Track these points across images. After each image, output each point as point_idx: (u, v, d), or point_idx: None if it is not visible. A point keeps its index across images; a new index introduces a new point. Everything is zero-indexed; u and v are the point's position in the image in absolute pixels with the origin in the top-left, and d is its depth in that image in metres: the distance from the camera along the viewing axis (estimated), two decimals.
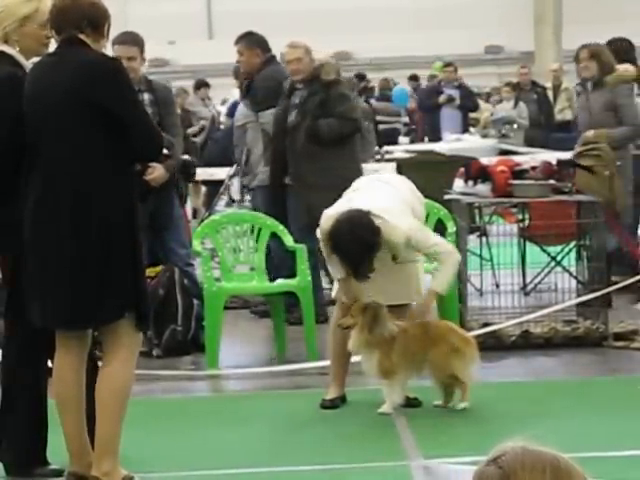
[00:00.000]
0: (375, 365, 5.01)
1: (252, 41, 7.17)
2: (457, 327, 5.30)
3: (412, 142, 14.04)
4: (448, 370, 4.99)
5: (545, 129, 13.88)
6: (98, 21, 4.02)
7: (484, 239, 7.73)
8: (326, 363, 5.46)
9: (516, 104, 13.99)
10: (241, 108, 7.52)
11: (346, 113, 6.85)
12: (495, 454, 1.56)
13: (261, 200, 7.16)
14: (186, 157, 6.96)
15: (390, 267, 5.09)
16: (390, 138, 13.36)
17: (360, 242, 4.82)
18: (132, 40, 6.30)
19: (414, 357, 5.03)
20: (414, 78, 18.01)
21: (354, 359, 5.20)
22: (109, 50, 5.76)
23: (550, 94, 14.45)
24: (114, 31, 4.66)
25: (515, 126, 13.21)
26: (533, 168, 6.96)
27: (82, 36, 4.02)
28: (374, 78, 16.77)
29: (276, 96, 7.02)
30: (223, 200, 7.96)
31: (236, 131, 7.48)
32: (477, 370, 5.07)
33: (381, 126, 13.20)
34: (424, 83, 17.10)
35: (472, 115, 14.64)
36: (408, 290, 5.17)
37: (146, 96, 6.23)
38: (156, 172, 6.10)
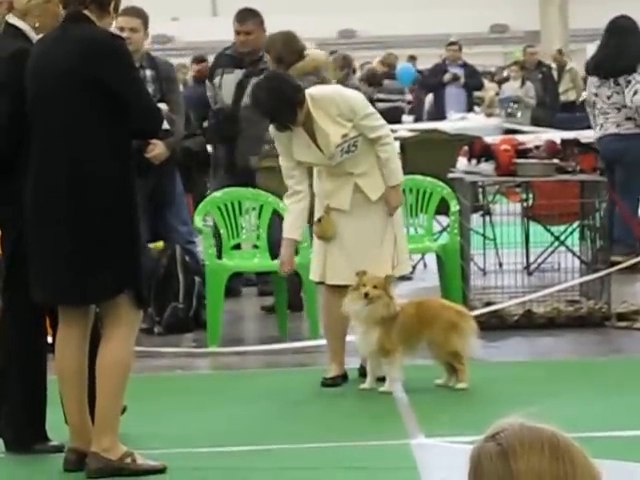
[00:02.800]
0: (374, 343, 4.99)
1: (260, 20, 6.97)
2: (450, 302, 5.27)
3: (416, 121, 13.97)
4: (448, 347, 4.97)
5: (550, 109, 13.81)
6: None
7: (487, 218, 7.71)
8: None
9: (523, 83, 13.92)
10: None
11: None
12: (493, 430, 1.54)
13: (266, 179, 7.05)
14: (190, 145, 6.85)
15: (367, 243, 5.08)
16: (393, 117, 13.30)
17: (277, 92, 4.97)
18: (136, 12, 6.25)
19: (411, 336, 5.01)
20: (412, 59, 17.91)
21: (350, 338, 5.19)
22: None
23: (555, 74, 14.38)
24: None
25: (517, 105, 13.14)
26: (537, 147, 6.93)
27: (86, 12, 4.00)
28: (378, 56, 16.67)
29: None
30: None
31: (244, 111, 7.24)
32: (477, 342, 5.05)
33: (383, 104, 13.12)
34: (422, 63, 17.02)
35: (477, 94, 14.56)
36: (384, 266, 5.10)
37: (148, 72, 6.19)
38: (157, 149, 6.07)
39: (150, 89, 6.14)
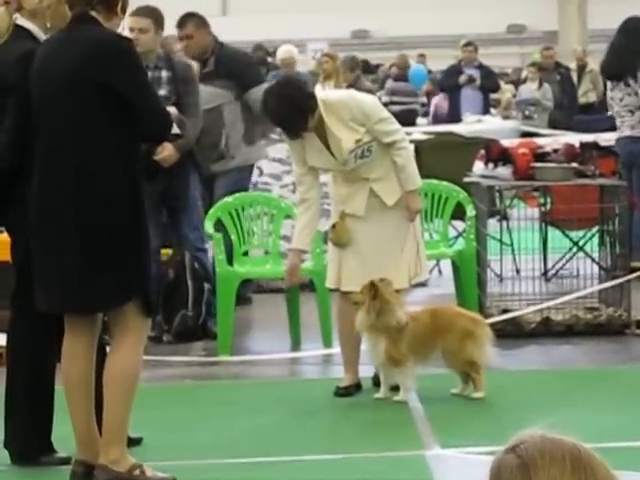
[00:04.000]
0: (382, 353, 4.92)
1: (200, 21, 6.67)
2: (464, 310, 5.18)
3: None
4: (464, 355, 4.89)
5: (568, 111, 13.69)
6: None
7: (504, 223, 7.62)
8: (339, 350, 5.36)
9: (540, 85, 13.80)
10: (209, 90, 6.72)
11: None
12: (514, 442, 1.52)
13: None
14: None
15: (383, 250, 5.01)
16: (407, 119, 13.20)
17: (287, 99, 4.86)
18: (146, 12, 6.11)
19: (423, 345, 4.93)
20: (421, 57, 17.80)
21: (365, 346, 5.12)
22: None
23: (574, 75, 14.26)
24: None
25: (534, 108, 13.04)
26: (555, 151, 6.84)
27: (93, 13, 3.93)
28: (392, 57, 16.59)
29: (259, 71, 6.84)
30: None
31: (209, 115, 6.67)
32: (492, 350, 4.97)
33: (397, 107, 13.02)
34: (437, 64, 16.93)
35: (493, 96, 14.45)
36: (399, 274, 5.04)
37: (164, 74, 6.09)
38: (166, 151, 5.97)
39: (165, 90, 6.08)
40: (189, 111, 6.04)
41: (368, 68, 15.77)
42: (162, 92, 6.06)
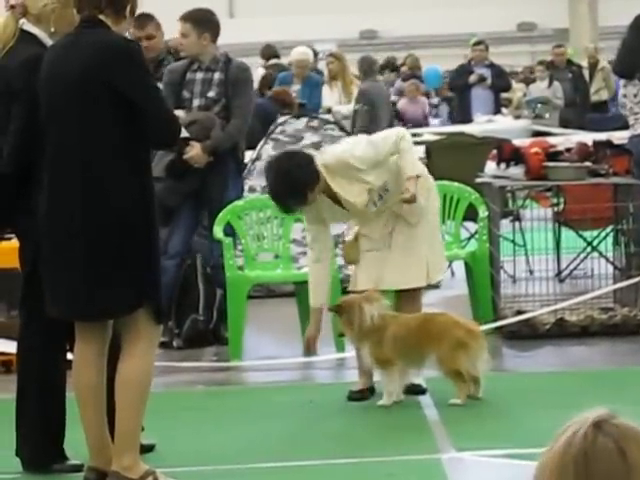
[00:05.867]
0: (368, 355, 4.91)
1: (158, 23, 6.44)
2: (462, 319, 5.12)
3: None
4: (452, 365, 4.85)
5: (580, 109, 13.61)
6: (119, 2, 3.90)
7: (517, 224, 7.56)
8: (353, 354, 5.32)
9: (550, 83, 13.72)
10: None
11: None
12: (594, 420, 1.39)
13: None
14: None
15: (399, 247, 4.99)
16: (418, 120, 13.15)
17: (286, 177, 4.76)
18: (185, 17, 6.10)
19: (411, 349, 4.89)
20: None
21: None
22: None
23: (586, 73, 14.17)
24: None
25: (544, 106, 12.97)
26: (568, 150, 6.79)
27: (101, 16, 3.91)
28: (400, 57, 16.53)
29: None
30: (246, 185, 7.80)
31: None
32: (486, 361, 4.92)
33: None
34: (447, 64, 16.83)
35: (504, 95, 14.38)
36: (416, 273, 5.01)
37: (217, 75, 6.06)
38: (193, 151, 5.94)
39: (214, 92, 6.06)
40: (234, 112, 6.00)
41: (388, 65, 15.56)
42: (211, 94, 6.06)
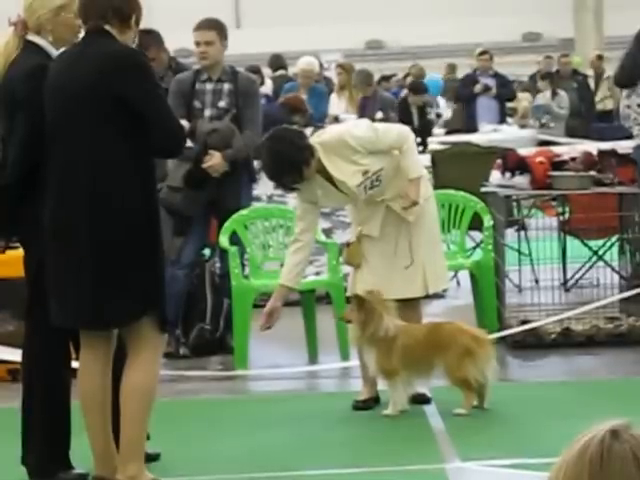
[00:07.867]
0: (374, 364, 4.89)
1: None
2: (469, 327, 5.10)
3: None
4: (459, 374, 4.83)
5: (586, 119, 13.60)
6: (125, 12, 3.92)
7: (523, 233, 7.54)
8: (357, 363, 5.32)
9: (553, 94, 13.72)
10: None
11: None
12: (611, 428, 1.41)
13: None
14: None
15: (398, 257, 4.98)
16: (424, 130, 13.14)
17: (278, 155, 4.79)
18: (209, 25, 6.10)
19: (419, 359, 4.87)
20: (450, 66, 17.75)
21: None
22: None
23: (591, 82, 14.16)
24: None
25: (549, 116, 12.97)
26: (573, 159, 6.78)
27: (107, 27, 3.92)
28: (406, 67, 16.55)
29: None
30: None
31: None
32: (494, 369, 4.90)
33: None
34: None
35: (509, 105, 14.39)
36: (415, 283, 5.01)
37: (226, 86, 6.08)
38: (214, 159, 5.95)
39: (225, 102, 6.08)
40: (248, 123, 6.02)
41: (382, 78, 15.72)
42: (222, 104, 6.08)
